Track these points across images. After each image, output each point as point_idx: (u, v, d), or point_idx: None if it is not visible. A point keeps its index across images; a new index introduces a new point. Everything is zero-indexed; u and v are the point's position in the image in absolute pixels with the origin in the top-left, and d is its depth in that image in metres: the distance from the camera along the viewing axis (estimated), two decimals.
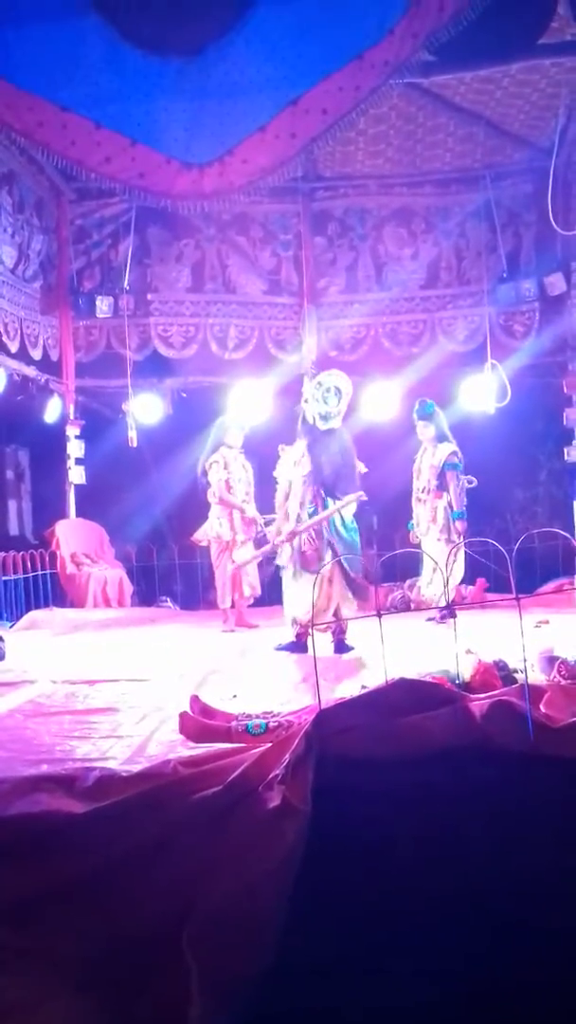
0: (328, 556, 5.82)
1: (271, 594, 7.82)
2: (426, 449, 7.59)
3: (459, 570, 7.41)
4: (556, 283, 9.00)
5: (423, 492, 7.53)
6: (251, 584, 7.75)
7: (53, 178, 9.12)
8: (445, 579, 6.42)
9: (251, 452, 7.93)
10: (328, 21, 4.84)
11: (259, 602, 7.97)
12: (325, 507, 5.88)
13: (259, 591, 7.81)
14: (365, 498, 6.03)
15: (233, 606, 7.69)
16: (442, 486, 7.35)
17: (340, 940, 2.79)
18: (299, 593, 5.93)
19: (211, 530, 7.69)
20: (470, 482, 7.41)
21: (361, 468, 6.15)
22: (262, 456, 7.67)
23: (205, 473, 7.67)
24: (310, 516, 5.91)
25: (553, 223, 8.06)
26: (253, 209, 9.60)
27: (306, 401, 6.08)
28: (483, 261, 9.64)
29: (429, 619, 7.11)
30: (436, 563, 6.81)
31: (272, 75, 4.93)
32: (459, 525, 7.30)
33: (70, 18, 4.95)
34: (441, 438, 7.48)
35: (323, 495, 5.91)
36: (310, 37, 4.86)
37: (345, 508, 5.90)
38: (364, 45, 4.83)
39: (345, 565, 5.78)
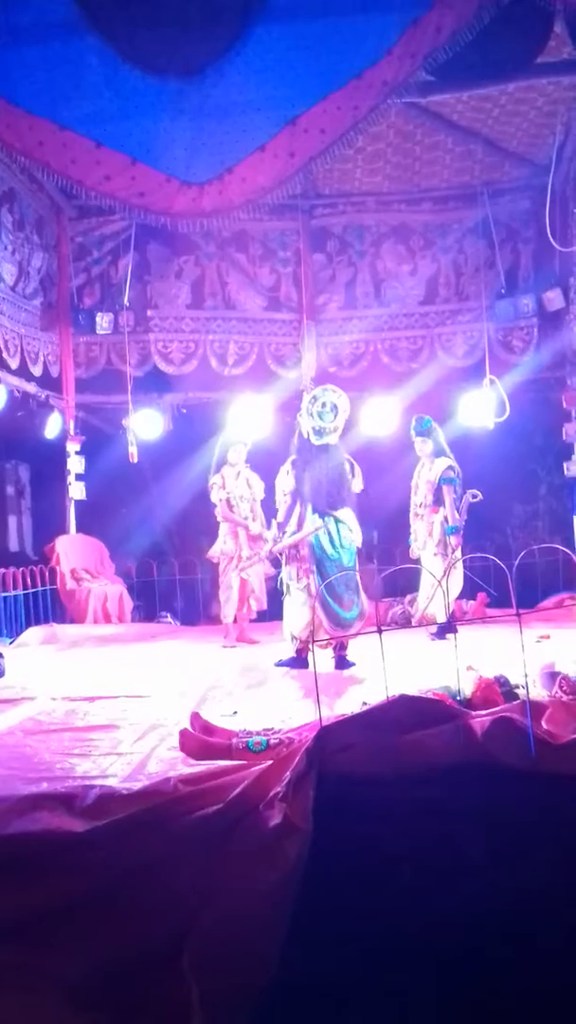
0: (313, 576, 5.80)
1: (272, 610, 7.84)
2: (424, 464, 7.60)
3: (457, 585, 7.41)
4: (554, 299, 9.03)
5: (421, 507, 7.53)
6: (257, 599, 7.80)
7: (53, 196, 9.18)
8: (445, 594, 6.42)
9: (252, 468, 7.95)
10: (327, 41, 4.87)
11: (260, 617, 7.99)
12: (325, 521, 5.87)
13: (265, 605, 7.83)
14: (347, 526, 5.91)
15: (235, 621, 7.71)
16: (439, 501, 7.35)
17: (341, 957, 2.77)
18: (293, 609, 5.95)
19: (219, 547, 7.76)
20: (475, 496, 7.41)
21: (357, 487, 6.13)
22: (262, 472, 7.71)
23: (210, 493, 7.77)
24: (291, 533, 5.92)
25: (551, 239, 8.10)
26: (252, 226, 9.65)
27: (301, 415, 6.11)
28: (481, 277, 9.69)
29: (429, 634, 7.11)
30: (435, 578, 6.82)
31: (271, 95, 4.96)
32: (453, 540, 7.29)
33: (70, 39, 4.98)
34: (439, 453, 7.48)
35: (308, 512, 5.89)
36: (309, 57, 4.89)
37: (342, 529, 5.87)
38: (363, 65, 4.87)
39: (324, 592, 5.70)
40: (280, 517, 6.07)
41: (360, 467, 6.24)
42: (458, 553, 7.24)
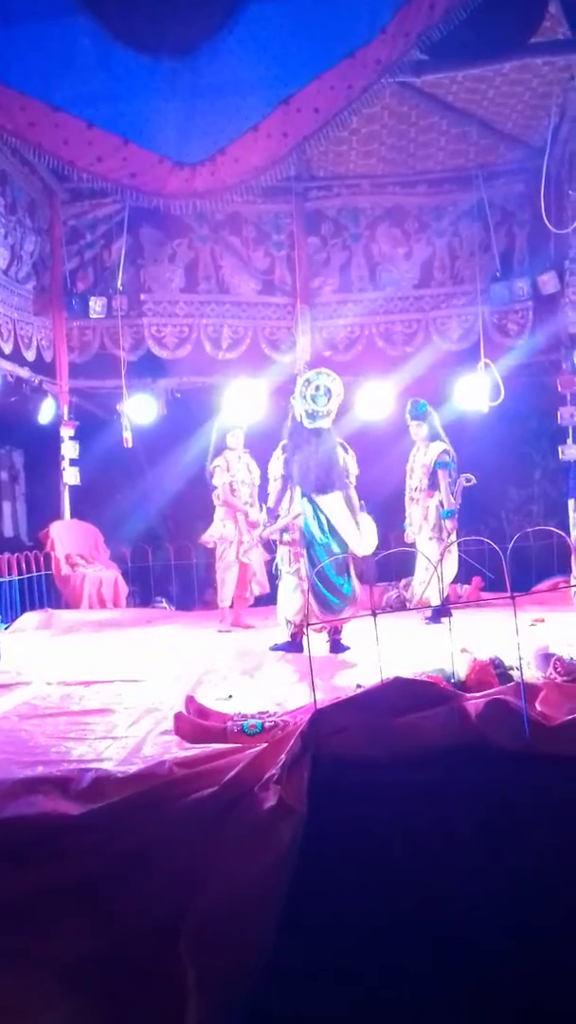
0: (303, 560, 5.80)
1: (269, 594, 7.83)
2: (419, 448, 7.58)
3: (451, 568, 7.42)
4: (549, 282, 8.98)
5: (416, 491, 7.52)
6: (259, 582, 7.79)
7: (45, 179, 9.11)
8: (440, 578, 6.42)
9: (249, 452, 7.95)
10: (320, 19, 4.83)
11: (257, 602, 7.99)
12: (312, 507, 5.85)
13: (268, 588, 7.82)
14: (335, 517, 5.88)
15: (232, 606, 7.72)
16: (433, 485, 7.34)
17: (336, 938, 2.78)
18: (286, 593, 5.94)
19: (215, 531, 7.74)
20: (468, 480, 7.40)
21: (353, 469, 6.09)
22: (257, 455, 7.70)
23: (211, 476, 7.74)
24: (281, 518, 5.90)
25: (546, 222, 8.06)
26: (246, 209, 9.59)
27: (294, 398, 6.08)
28: (476, 260, 9.64)
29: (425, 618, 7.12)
30: (430, 561, 6.82)
31: (264, 74, 4.92)
32: (448, 524, 7.29)
33: (61, 18, 4.93)
34: (434, 437, 7.47)
35: (297, 496, 5.88)
36: (302, 36, 4.85)
37: (331, 513, 5.84)
38: (356, 44, 4.83)
39: (312, 577, 5.70)
40: (270, 502, 6.07)
41: (355, 451, 6.21)
42: (453, 537, 7.24)
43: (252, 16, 4.77)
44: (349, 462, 6.06)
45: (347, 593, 5.88)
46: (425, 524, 7.39)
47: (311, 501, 5.86)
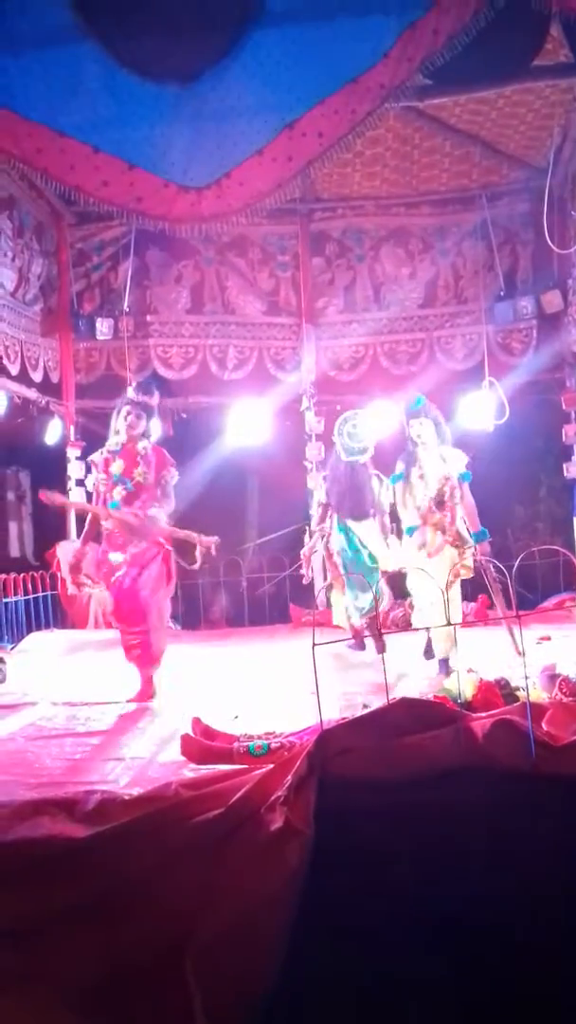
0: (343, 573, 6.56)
1: (274, 612, 7.81)
2: (428, 454, 6.22)
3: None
4: (553, 300, 9.05)
5: (437, 504, 6.03)
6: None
7: (53, 202, 9.20)
8: (446, 605, 5.97)
9: (251, 471, 7.96)
10: (324, 45, 4.87)
11: (261, 620, 7.97)
12: (339, 527, 6.59)
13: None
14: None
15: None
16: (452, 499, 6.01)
17: (343, 963, 2.77)
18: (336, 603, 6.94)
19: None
20: None
21: (387, 500, 6.54)
22: (263, 475, 7.72)
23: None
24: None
25: (549, 242, 8.10)
26: (252, 231, 9.67)
27: (335, 436, 6.78)
28: (480, 280, 9.71)
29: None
30: (434, 580, 6.51)
31: (268, 99, 4.96)
32: (483, 546, 6.00)
33: (67, 45, 4.98)
34: (446, 439, 6.34)
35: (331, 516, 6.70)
36: (306, 61, 4.88)
37: (360, 531, 6.53)
38: (360, 69, 4.86)
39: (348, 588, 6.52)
40: (314, 524, 7.08)
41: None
42: (468, 560, 6.37)
43: (256, 43, 4.81)
44: (384, 493, 6.55)
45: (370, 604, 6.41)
46: (452, 549, 5.92)
47: (343, 525, 6.55)
